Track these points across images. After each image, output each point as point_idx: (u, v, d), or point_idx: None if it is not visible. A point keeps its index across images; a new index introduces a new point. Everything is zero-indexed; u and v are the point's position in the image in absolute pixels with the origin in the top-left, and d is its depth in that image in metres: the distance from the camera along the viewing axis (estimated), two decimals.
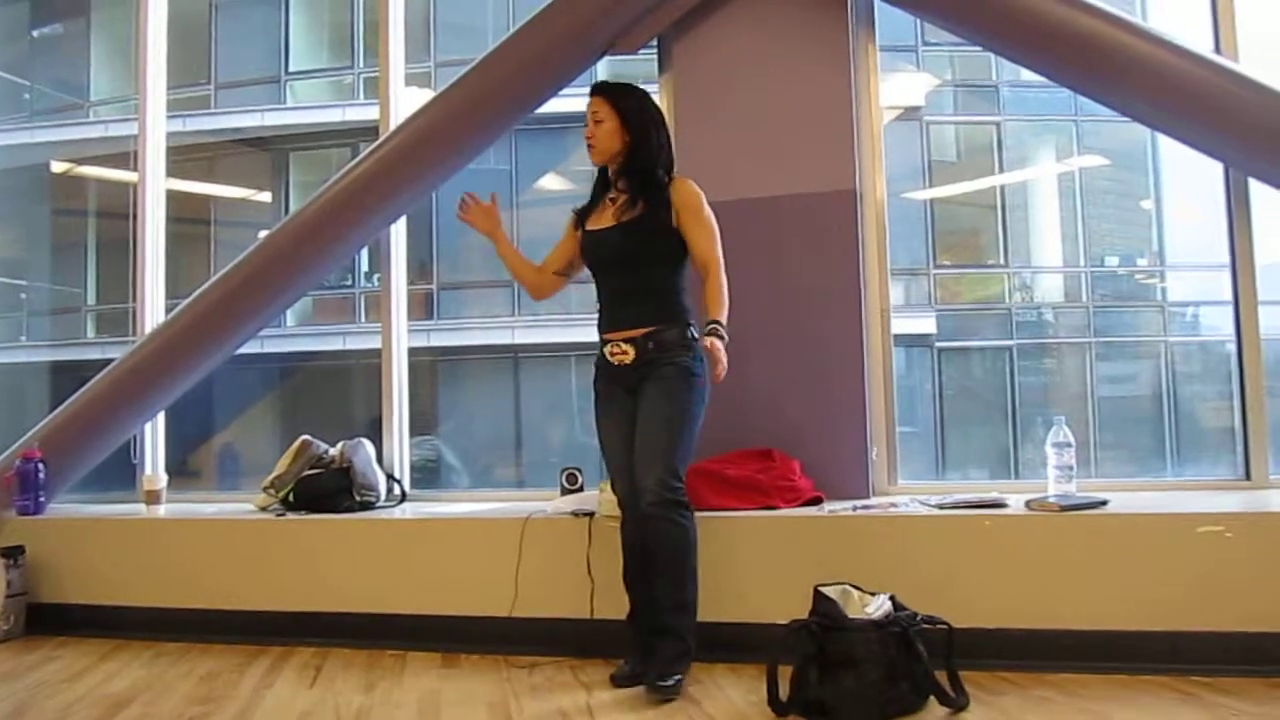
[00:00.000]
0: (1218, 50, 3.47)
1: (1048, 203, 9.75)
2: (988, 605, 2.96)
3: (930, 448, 8.55)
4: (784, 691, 2.56)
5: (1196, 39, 3.40)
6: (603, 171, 3.12)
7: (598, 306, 3.11)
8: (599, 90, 3.06)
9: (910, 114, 9.28)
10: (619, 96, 3.04)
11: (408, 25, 4.37)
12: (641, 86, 3.15)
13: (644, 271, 2.99)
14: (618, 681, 2.92)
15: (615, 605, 3.08)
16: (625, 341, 2.97)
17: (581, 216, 3.15)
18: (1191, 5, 3.68)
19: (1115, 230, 9.60)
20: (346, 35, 10.44)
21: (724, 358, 2.84)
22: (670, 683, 2.75)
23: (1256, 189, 3.42)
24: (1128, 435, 8.67)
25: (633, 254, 2.99)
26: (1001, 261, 9.53)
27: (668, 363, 2.93)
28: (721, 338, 2.87)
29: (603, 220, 3.07)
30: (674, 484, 2.83)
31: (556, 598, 3.27)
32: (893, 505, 3.30)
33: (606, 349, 3.01)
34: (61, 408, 4.20)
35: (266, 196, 10.04)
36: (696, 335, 2.96)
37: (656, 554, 2.84)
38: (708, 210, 3.02)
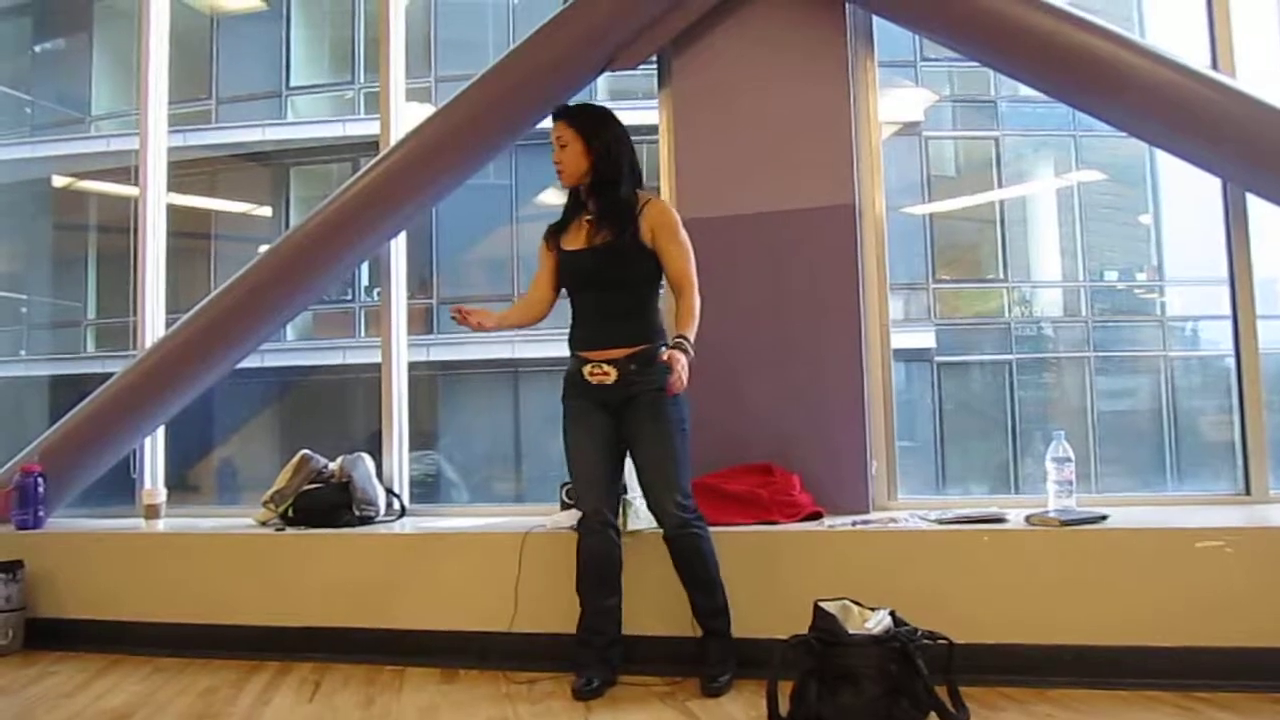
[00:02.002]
0: (1215, 66, 3.49)
1: (1047, 217, 9.77)
2: (988, 620, 2.96)
3: (930, 463, 8.55)
4: (784, 707, 2.55)
5: (1194, 55, 3.42)
6: (574, 191, 3.13)
7: (570, 323, 3.11)
8: (559, 115, 3.08)
9: (909, 129, 9.32)
10: (578, 117, 3.06)
11: (408, 41, 4.39)
12: (603, 105, 3.17)
13: (621, 292, 3.01)
14: (581, 695, 2.92)
15: None
16: (606, 363, 2.98)
17: (555, 235, 3.14)
18: (1189, 22, 3.70)
19: (1114, 245, 9.62)
20: (347, 51, 10.47)
21: (683, 371, 2.83)
22: (721, 682, 2.93)
23: (1254, 204, 3.43)
24: (1127, 450, 8.66)
25: (609, 276, 3.01)
26: (1001, 276, 9.54)
27: (651, 385, 2.95)
28: (686, 352, 2.87)
29: (577, 241, 3.08)
30: (687, 501, 2.97)
31: (556, 612, 3.25)
32: (892, 520, 3.30)
33: (585, 369, 3.01)
34: (61, 422, 4.19)
35: (267, 211, 10.07)
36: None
37: (692, 568, 2.98)
38: (683, 231, 3.04)
